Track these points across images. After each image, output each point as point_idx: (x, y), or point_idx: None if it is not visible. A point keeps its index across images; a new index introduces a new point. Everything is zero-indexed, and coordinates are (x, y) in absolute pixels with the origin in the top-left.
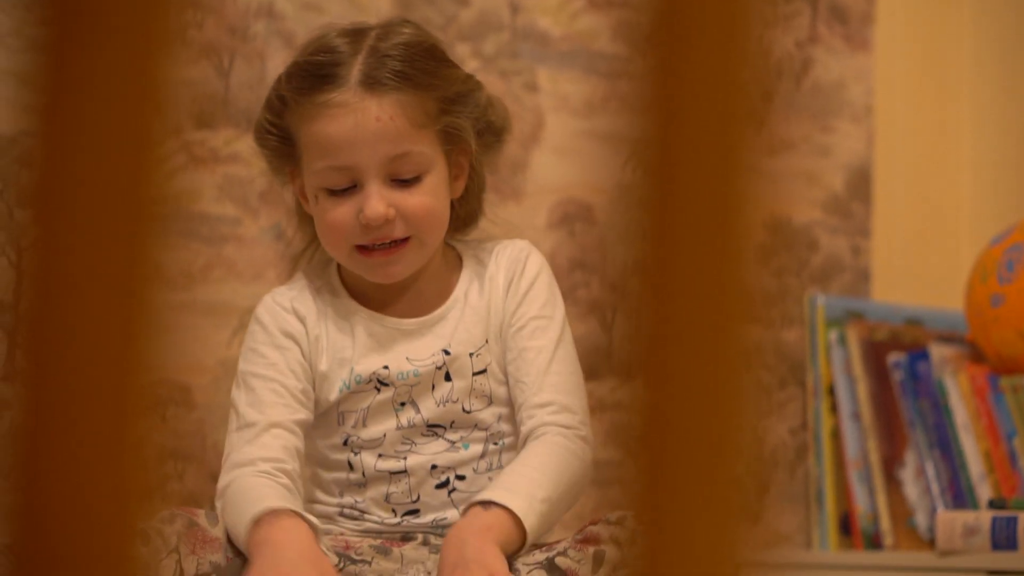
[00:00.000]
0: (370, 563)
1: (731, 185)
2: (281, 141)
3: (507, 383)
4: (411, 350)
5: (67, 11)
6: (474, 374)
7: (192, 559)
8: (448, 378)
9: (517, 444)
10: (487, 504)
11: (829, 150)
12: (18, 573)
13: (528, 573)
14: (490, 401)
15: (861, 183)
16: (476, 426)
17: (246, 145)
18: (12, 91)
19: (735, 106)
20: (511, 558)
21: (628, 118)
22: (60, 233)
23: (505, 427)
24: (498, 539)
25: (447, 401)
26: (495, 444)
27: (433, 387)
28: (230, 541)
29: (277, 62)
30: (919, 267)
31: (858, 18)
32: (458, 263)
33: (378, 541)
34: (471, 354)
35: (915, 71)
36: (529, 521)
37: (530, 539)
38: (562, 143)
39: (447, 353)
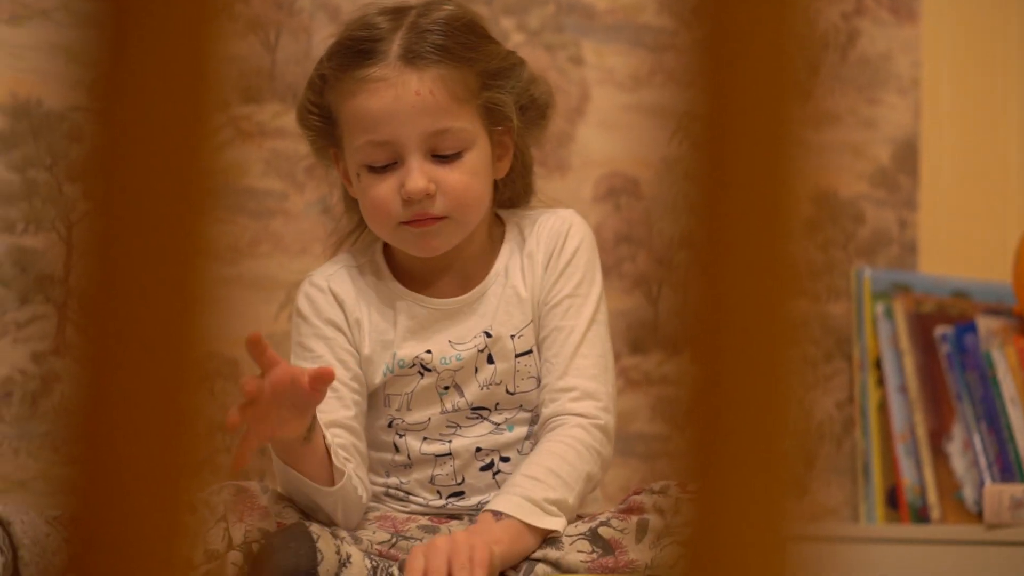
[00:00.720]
0: (421, 540)
1: (779, 158)
2: (323, 121)
3: None
4: (453, 333)
5: None
6: (517, 355)
7: (240, 526)
8: (491, 360)
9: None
10: (497, 514)
11: (875, 123)
12: (71, 545)
13: (572, 544)
14: (539, 381)
15: (908, 156)
16: (521, 407)
17: (292, 120)
18: (61, 66)
19: (782, 78)
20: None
21: (674, 91)
22: (110, 207)
23: None
24: (505, 552)
25: (491, 384)
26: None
27: (476, 370)
28: (281, 507)
29: (323, 36)
30: (966, 239)
31: None
32: (500, 235)
33: (425, 519)
34: (513, 336)
35: (962, 42)
36: (546, 524)
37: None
38: (608, 117)
39: (488, 335)
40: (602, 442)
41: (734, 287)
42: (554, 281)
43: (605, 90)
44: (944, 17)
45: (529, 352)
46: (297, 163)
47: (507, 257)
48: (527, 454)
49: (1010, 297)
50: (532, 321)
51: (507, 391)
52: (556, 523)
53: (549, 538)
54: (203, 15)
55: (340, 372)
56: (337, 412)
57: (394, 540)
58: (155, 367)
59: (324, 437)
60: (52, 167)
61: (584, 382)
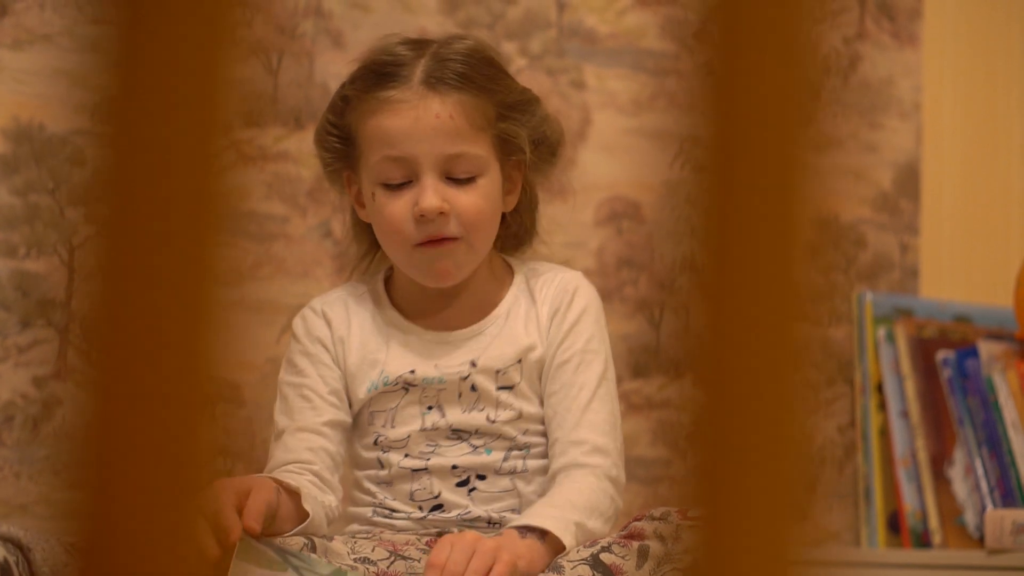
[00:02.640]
0: (419, 561)
1: (781, 182)
2: (341, 141)
3: (539, 403)
4: (440, 359)
5: (120, 10)
6: (499, 388)
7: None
8: (474, 389)
9: (545, 454)
10: (523, 531)
11: (877, 147)
12: (74, 568)
13: (573, 569)
14: (518, 415)
15: (909, 180)
16: (500, 436)
17: (294, 143)
18: (63, 90)
19: (784, 103)
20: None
21: (676, 115)
22: (114, 231)
23: (533, 439)
24: (524, 570)
25: (472, 410)
26: (519, 450)
27: (460, 395)
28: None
29: (325, 60)
30: (968, 264)
31: (906, 14)
32: (507, 279)
33: (423, 542)
34: (497, 371)
35: (964, 67)
36: (566, 539)
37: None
38: (609, 140)
39: (474, 365)
40: (613, 492)
41: (736, 311)
42: (563, 337)
43: (607, 114)
44: (945, 41)
45: (510, 388)
46: (299, 187)
47: (511, 302)
48: (505, 474)
49: (1011, 322)
50: (520, 362)
51: (488, 419)
52: (571, 543)
53: (552, 564)
54: (208, 39)
55: (319, 385)
56: (308, 419)
57: (392, 559)
58: (158, 391)
59: (282, 491)
60: (54, 191)
61: (596, 437)
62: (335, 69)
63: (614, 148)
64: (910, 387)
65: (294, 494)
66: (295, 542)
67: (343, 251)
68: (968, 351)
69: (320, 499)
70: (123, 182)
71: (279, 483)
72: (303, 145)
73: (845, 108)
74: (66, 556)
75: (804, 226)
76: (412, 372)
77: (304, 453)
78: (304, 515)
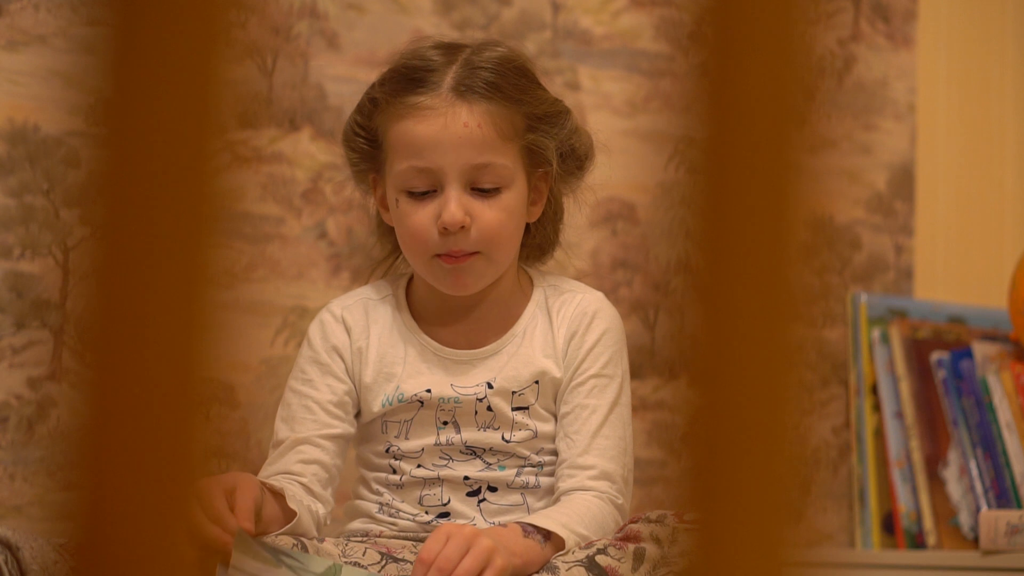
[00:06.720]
0: (411, 564)
1: (776, 183)
2: (368, 143)
3: (555, 422)
4: (457, 378)
5: (115, 11)
6: (514, 409)
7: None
8: (490, 409)
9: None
10: (527, 528)
11: (871, 148)
12: (75, 571)
13: (568, 570)
14: (533, 435)
15: (904, 181)
16: (514, 455)
17: (289, 145)
18: (58, 91)
19: (779, 104)
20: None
21: (671, 117)
22: (109, 232)
23: (546, 458)
24: (518, 567)
25: (488, 428)
26: (532, 466)
27: (476, 413)
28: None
29: (320, 62)
30: (962, 265)
31: (901, 15)
32: (527, 292)
33: (418, 548)
34: (514, 392)
35: (958, 68)
36: (569, 544)
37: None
38: (604, 142)
39: (490, 387)
40: (615, 515)
41: (731, 312)
42: (580, 361)
43: (601, 115)
44: (939, 43)
45: (525, 409)
46: (294, 188)
47: (528, 321)
48: (517, 488)
49: (1006, 323)
50: (536, 383)
51: (503, 438)
52: (572, 548)
53: (547, 564)
54: (203, 40)
55: (325, 396)
56: (308, 431)
57: (384, 562)
58: (153, 392)
59: (271, 492)
60: (49, 192)
61: (604, 463)
62: (330, 70)
63: (609, 149)
64: (904, 388)
65: (278, 495)
66: (285, 542)
67: (339, 252)
68: (962, 352)
69: (306, 503)
70: (118, 183)
71: (263, 484)
72: (298, 146)
73: (839, 109)
74: (55, 555)
75: (798, 227)
76: (428, 391)
77: (295, 465)
78: (290, 516)
